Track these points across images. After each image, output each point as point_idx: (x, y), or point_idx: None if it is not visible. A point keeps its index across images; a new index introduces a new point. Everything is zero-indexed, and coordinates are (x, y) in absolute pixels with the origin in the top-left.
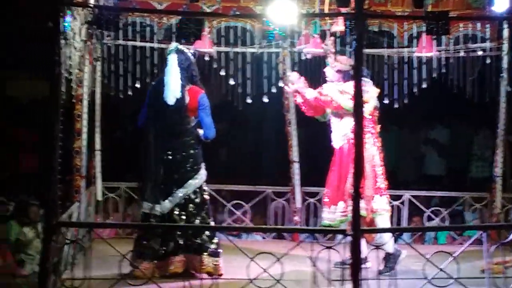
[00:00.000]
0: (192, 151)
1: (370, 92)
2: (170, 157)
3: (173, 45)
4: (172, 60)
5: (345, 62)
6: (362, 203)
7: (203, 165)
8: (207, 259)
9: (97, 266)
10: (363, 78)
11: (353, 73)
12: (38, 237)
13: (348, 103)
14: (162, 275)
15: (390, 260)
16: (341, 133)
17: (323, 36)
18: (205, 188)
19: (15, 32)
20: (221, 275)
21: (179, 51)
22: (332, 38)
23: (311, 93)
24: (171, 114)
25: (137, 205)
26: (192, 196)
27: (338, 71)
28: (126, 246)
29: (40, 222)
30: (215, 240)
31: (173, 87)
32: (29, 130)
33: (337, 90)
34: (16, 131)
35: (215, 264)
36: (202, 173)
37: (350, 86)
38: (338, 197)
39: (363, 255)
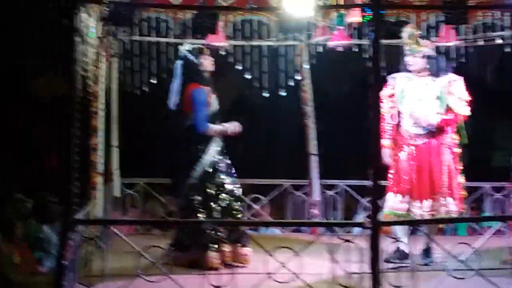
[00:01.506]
0: (189, 148)
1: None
2: (179, 155)
3: (181, 51)
4: (176, 68)
5: (430, 45)
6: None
7: (200, 163)
8: (205, 254)
9: (114, 263)
10: (451, 74)
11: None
12: (57, 235)
13: (466, 110)
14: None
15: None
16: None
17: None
18: (201, 186)
19: (39, 29)
20: (216, 269)
21: (182, 58)
22: (410, 26)
23: (434, 118)
24: (175, 114)
25: (156, 201)
26: (187, 193)
27: (424, 57)
28: (144, 242)
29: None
30: (209, 236)
31: (173, 94)
32: (50, 129)
33: (455, 100)
34: (37, 130)
35: (205, 258)
36: (197, 170)
37: (459, 87)
38: (424, 193)
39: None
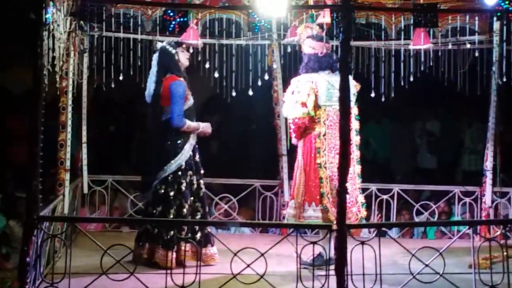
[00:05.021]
0: (165, 143)
1: (302, 92)
2: (154, 149)
3: (158, 45)
4: (153, 61)
5: (310, 44)
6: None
7: (176, 158)
8: (160, 251)
9: (80, 260)
10: (302, 75)
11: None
12: None
13: (288, 113)
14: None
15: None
16: None
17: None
18: (173, 181)
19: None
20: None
21: (161, 50)
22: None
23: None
24: (150, 108)
25: (125, 198)
26: (157, 187)
27: (304, 55)
28: (111, 240)
29: None
30: (171, 233)
31: (148, 87)
32: (22, 122)
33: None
34: (9, 123)
35: (162, 257)
36: (172, 165)
37: (295, 87)
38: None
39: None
